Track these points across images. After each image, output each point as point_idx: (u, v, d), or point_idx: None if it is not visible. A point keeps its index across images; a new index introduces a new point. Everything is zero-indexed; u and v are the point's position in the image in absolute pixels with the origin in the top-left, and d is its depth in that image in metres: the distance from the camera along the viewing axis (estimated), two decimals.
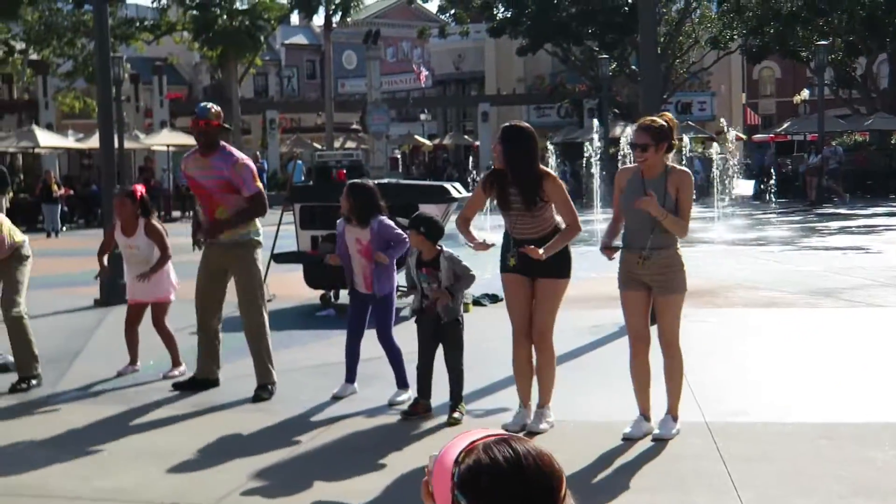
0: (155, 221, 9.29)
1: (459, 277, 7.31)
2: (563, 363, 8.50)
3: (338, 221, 8.22)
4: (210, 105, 8.47)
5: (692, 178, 6.77)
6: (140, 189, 9.48)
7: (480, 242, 6.93)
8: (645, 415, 6.85)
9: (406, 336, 8.05)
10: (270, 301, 13.12)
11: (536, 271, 6.90)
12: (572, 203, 6.95)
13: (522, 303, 7.01)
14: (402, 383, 7.99)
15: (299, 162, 26.93)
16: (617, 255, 6.85)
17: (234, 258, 8.36)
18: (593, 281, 13.23)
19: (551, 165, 28.02)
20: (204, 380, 8.64)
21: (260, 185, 8.38)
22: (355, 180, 8.66)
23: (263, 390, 8.23)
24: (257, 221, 8.48)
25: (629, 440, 6.71)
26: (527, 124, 7.14)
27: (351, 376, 8.25)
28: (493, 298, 12.71)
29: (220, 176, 8.28)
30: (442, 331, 7.37)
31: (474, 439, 1.68)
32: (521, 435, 1.77)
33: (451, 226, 8.28)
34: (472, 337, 9.59)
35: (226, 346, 8.84)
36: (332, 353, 9.86)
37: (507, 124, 7.11)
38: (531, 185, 6.86)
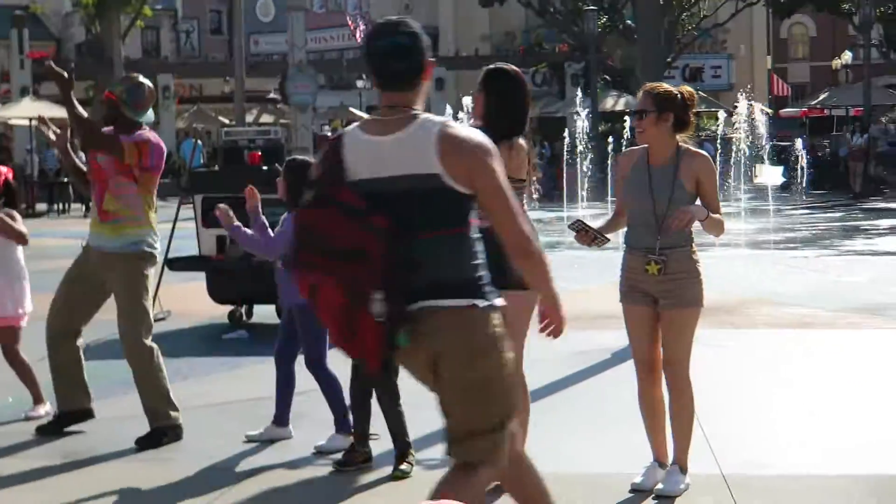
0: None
1: None
2: (541, 399, 8.53)
3: (285, 215, 8.07)
4: (130, 75, 8.69)
5: (712, 161, 6.85)
6: (5, 173, 9.38)
7: None
8: (661, 461, 6.91)
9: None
10: (164, 319, 13.10)
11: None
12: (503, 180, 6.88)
13: None
14: (342, 425, 7.96)
15: (199, 142, 26.72)
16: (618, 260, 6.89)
17: (115, 270, 8.32)
18: (580, 295, 13.28)
19: None
20: (70, 413, 8.56)
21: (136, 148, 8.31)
22: (295, 157, 8.65)
23: (155, 436, 8.19)
24: (153, 226, 8.43)
25: (638, 491, 6.75)
26: (517, 69, 7.18)
27: (281, 415, 8.23)
28: None
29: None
30: None
31: None
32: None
33: None
34: None
35: (109, 378, 8.75)
36: (244, 386, 9.83)
37: (491, 66, 7.12)
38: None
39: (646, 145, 6.82)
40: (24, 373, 9.17)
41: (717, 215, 6.70)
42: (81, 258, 8.60)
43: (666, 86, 6.88)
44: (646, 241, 6.72)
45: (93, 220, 8.60)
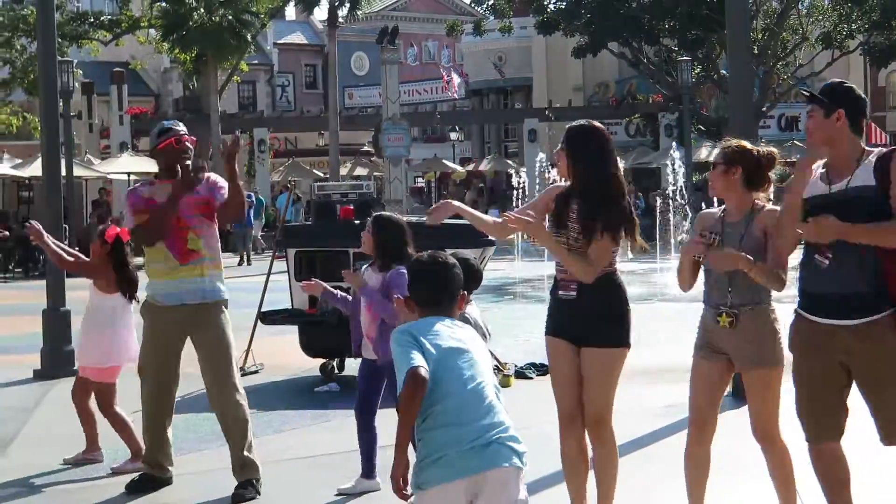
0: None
1: None
2: (629, 454, 8.46)
3: (364, 267, 8.30)
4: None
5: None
6: (115, 231, 9.51)
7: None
8: None
9: None
10: (257, 372, 13.23)
11: (582, 337, 6.87)
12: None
13: (567, 378, 6.94)
14: None
15: (292, 195, 27.02)
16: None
17: (198, 322, 8.37)
18: (668, 347, 13.19)
19: None
20: (152, 478, 8.53)
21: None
22: (382, 213, 8.77)
23: (246, 488, 8.20)
24: (220, 274, 8.52)
25: None
26: (598, 124, 7.13)
27: (368, 467, 8.25)
28: (541, 369, 12.67)
29: (196, 193, 8.41)
30: None
31: None
32: None
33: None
34: (516, 419, 9.56)
35: (196, 431, 8.78)
36: (335, 439, 9.86)
37: (573, 124, 7.06)
38: (599, 204, 6.79)
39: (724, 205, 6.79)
40: (118, 426, 9.20)
41: (773, 268, 6.51)
42: (159, 314, 8.55)
43: (744, 143, 6.72)
44: (717, 298, 6.63)
45: (170, 271, 8.54)
